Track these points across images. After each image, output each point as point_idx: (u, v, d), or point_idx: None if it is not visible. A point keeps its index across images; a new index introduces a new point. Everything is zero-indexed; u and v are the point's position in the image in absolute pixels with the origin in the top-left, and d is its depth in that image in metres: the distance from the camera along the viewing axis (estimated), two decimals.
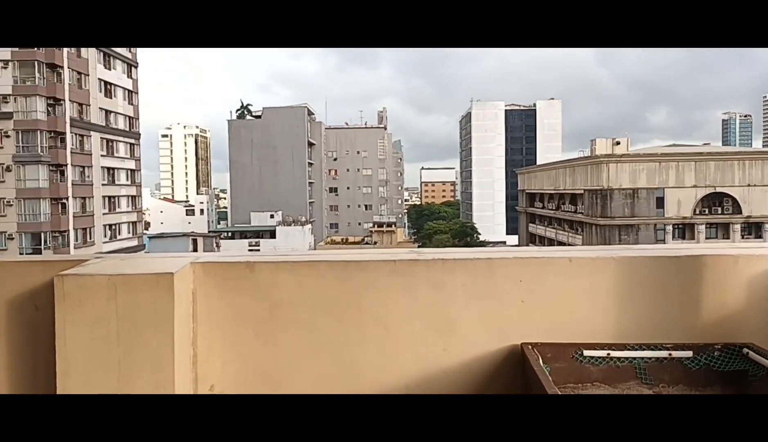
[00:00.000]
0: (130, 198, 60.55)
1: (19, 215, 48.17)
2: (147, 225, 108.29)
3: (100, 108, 55.32)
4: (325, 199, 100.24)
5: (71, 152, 50.58)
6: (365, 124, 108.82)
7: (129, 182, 60.54)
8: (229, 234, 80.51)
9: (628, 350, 2.35)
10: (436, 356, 2.46)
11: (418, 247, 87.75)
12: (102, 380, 2.11)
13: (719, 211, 58.28)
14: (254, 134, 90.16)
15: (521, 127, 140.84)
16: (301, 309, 2.45)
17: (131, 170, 60.88)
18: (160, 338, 2.14)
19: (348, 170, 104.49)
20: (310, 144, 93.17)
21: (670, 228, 58.16)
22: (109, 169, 56.79)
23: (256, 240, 77.12)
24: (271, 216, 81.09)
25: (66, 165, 49.91)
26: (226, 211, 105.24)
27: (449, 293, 2.47)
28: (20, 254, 47.56)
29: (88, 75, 53.12)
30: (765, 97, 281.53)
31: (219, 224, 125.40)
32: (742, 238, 58.11)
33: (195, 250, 61.96)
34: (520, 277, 2.47)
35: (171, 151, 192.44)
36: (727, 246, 2.82)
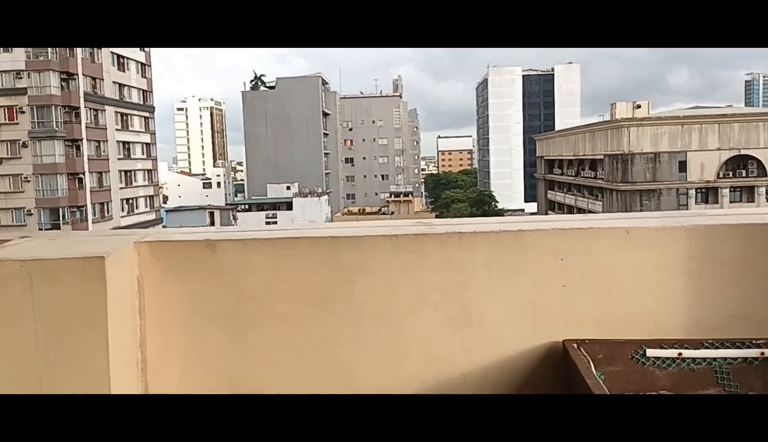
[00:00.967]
0: (146, 172, 60.47)
1: (37, 191, 48.27)
2: (165, 199, 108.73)
3: (113, 82, 54.94)
4: (341, 169, 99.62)
5: (86, 127, 50.43)
6: (380, 93, 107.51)
7: (144, 156, 60.40)
8: (246, 206, 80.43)
9: (706, 348, 1.78)
10: (452, 357, 1.92)
11: (436, 217, 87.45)
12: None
13: (744, 175, 56.94)
14: (268, 105, 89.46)
15: (539, 93, 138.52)
16: (277, 299, 1.92)
17: (146, 144, 60.71)
18: (89, 341, 1.62)
19: (364, 140, 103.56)
20: (325, 114, 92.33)
21: (692, 192, 56.97)
22: (124, 143, 56.66)
23: (273, 212, 76.96)
24: (288, 188, 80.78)
25: (81, 140, 49.80)
26: (243, 184, 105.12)
27: (468, 276, 1.92)
28: (39, 229, 47.79)
29: (100, 49, 52.65)
30: None
31: (236, 196, 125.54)
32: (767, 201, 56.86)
33: (212, 223, 61.94)
34: (560, 254, 1.90)
35: (187, 124, 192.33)
36: None
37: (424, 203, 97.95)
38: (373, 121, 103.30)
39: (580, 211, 67.87)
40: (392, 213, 74.09)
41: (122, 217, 54.79)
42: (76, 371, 1.61)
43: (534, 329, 1.92)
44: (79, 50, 49.36)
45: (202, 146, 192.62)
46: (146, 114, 60.79)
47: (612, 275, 1.91)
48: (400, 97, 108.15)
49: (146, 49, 60.43)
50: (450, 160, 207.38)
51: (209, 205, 71.99)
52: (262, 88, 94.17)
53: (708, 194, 57.41)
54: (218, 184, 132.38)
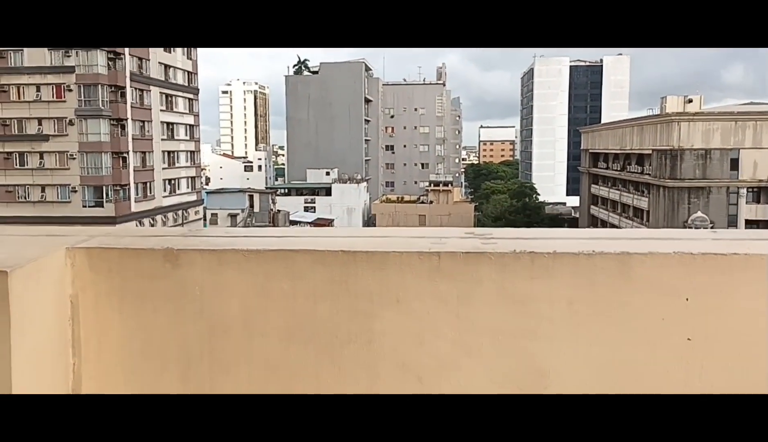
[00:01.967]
0: (188, 153, 60.90)
1: (82, 169, 48.94)
2: (207, 180, 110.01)
3: (159, 62, 55.31)
4: (381, 157, 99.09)
5: (131, 106, 50.90)
6: (424, 80, 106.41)
7: (188, 137, 60.82)
8: (285, 191, 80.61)
9: None
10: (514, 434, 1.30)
11: (476, 207, 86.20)
12: None
13: None
14: (311, 90, 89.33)
15: (586, 84, 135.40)
16: (262, 337, 1.36)
17: (190, 125, 61.10)
18: None
19: (405, 128, 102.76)
20: (367, 101, 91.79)
21: (744, 191, 54.87)
22: (168, 124, 57.09)
23: (312, 197, 76.95)
24: (327, 173, 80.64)
25: (126, 119, 50.29)
26: (284, 168, 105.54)
27: (543, 317, 1.32)
28: (83, 206, 48.57)
29: None
30: None
31: (276, 180, 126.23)
32: None
33: (251, 206, 62.15)
34: (685, 291, 1.28)
35: (231, 107, 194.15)
36: None
37: (463, 193, 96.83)
38: (415, 109, 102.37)
39: (625, 206, 66.17)
40: (431, 202, 73.29)
41: (164, 197, 55.32)
42: None
43: None
44: None
45: (245, 129, 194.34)
46: (190, 96, 61.13)
47: (763, 328, 1.26)
48: (444, 85, 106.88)
49: None
50: (492, 150, 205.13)
51: (249, 188, 72.26)
52: (305, 72, 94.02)
53: (760, 194, 55.23)
54: (259, 167, 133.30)
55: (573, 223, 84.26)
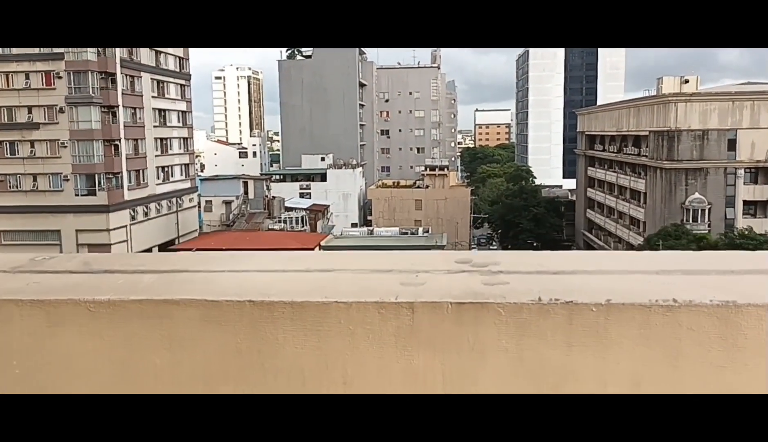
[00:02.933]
0: (181, 140, 60.33)
1: (74, 157, 48.44)
2: (202, 167, 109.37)
3: (149, 48, 54.62)
4: (376, 141, 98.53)
5: (122, 93, 50.29)
6: (418, 64, 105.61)
7: (180, 124, 60.22)
8: (281, 177, 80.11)
9: None
10: None
11: (472, 192, 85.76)
12: None
13: None
14: (304, 75, 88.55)
15: (581, 66, 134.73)
16: None
17: (182, 112, 60.48)
18: None
19: (400, 112, 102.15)
20: (362, 85, 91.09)
21: (741, 172, 54.63)
22: (160, 110, 56.49)
23: (307, 183, 76.51)
24: (322, 159, 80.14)
25: (117, 106, 49.72)
26: (279, 154, 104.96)
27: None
28: (75, 195, 48.10)
29: None
30: None
31: (272, 166, 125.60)
32: None
33: (246, 193, 61.72)
34: None
35: (224, 93, 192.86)
36: None
37: (459, 177, 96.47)
38: (410, 93, 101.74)
39: (621, 188, 65.91)
40: (427, 187, 72.90)
41: (157, 184, 54.86)
42: None
43: None
44: None
45: (239, 116, 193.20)
46: (182, 82, 60.44)
47: None
48: (438, 68, 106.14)
49: None
50: (487, 134, 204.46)
51: (243, 174, 71.74)
52: (298, 57, 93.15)
53: (758, 175, 55.01)
54: (254, 153, 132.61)
55: (570, 206, 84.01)
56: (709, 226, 52.95)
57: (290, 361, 0.92)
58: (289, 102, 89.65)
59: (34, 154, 48.05)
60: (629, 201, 64.01)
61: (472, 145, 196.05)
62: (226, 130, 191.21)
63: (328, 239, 49.19)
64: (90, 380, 0.93)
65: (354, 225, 68.60)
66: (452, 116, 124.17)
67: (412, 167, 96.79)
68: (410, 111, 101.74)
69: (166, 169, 56.76)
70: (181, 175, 59.42)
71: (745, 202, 54.96)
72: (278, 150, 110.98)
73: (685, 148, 55.00)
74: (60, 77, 47.58)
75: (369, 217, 73.35)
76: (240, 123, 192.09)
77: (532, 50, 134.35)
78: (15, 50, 46.78)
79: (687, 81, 61.59)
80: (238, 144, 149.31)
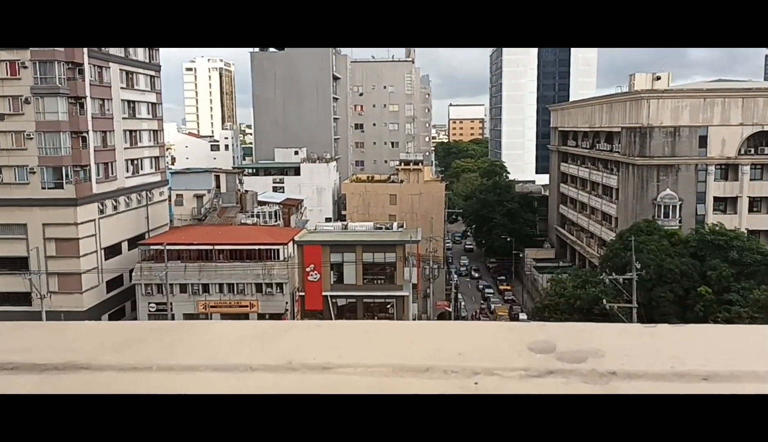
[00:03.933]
0: (151, 132, 59.15)
1: (40, 149, 47.17)
2: (173, 160, 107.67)
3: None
4: (350, 135, 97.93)
5: (90, 84, 49.07)
6: (392, 57, 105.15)
7: (150, 116, 59.02)
8: (253, 171, 79.15)
9: None
10: None
11: (446, 187, 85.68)
12: None
13: (766, 151, 55.21)
14: (277, 67, 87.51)
15: (554, 62, 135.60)
16: None
17: (152, 104, 59.28)
18: None
19: (374, 106, 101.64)
20: (335, 78, 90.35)
21: (712, 168, 55.34)
22: (129, 102, 55.31)
23: (281, 177, 75.70)
24: (296, 153, 79.33)
25: (85, 97, 48.52)
26: (251, 148, 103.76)
27: None
28: (42, 188, 46.84)
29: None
30: None
31: (244, 160, 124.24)
32: None
33: (218, 187, 60.78)
34: None
35: (196, 85, 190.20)
36: None
37: (434, 172, 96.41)
38: (384, 87, 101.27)
39: (594, 184, 66.40)
40: (401, 181, 72.64)
41: (127, 177, 53.73)
42: None
43: None
44: None
45: (211, 108, 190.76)
46: (152, 73, 59.21)
47: None
48: (413, 62, 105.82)
49: None
50: (461, 128, 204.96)
51: (215, 168, 70.67)
52: (271, 49, 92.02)
53: (728, 171, 55.82)
54: (226, 147, 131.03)
55: (543, 201, 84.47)
56: (680, 221, 53.58)
57: None
58: (261, 94, 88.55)
59: None
60: (601, 197, 64.53)
61: (446, 140, 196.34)
62: (198, 123, 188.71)
63: (302, 234, 48.66)
64: None
65: (328, 220, 68.08)
66: (426, 111, 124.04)
67: (386, 162, 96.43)
68: (384, 105, 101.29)
69: (135, 162, 55.63)
70: (152, 168, 58.29)
71: (716, 199, 55.72)
72: (251, 143, 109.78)
73: (656, 145, 55.55)
74: (25, 67, 46.24)
75: (343, 212, 72.88)
76: (212, 115, 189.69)
77: None
78: None
79: (659, 78, 62.23)
80: (210, 137, 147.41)
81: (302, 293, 44.66)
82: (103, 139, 50.97)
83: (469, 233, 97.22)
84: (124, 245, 51.46)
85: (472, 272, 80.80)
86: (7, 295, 45.44)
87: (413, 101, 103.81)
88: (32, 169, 46.92)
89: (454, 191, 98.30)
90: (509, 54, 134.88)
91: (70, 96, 47.30)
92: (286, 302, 44.91)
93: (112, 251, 50.10)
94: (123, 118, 53.71)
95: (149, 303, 45.58)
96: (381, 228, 51.18)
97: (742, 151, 55.24)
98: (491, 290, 71.40)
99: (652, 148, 55.52)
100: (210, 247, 46.06)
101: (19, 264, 45.06)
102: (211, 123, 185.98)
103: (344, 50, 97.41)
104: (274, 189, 72.25)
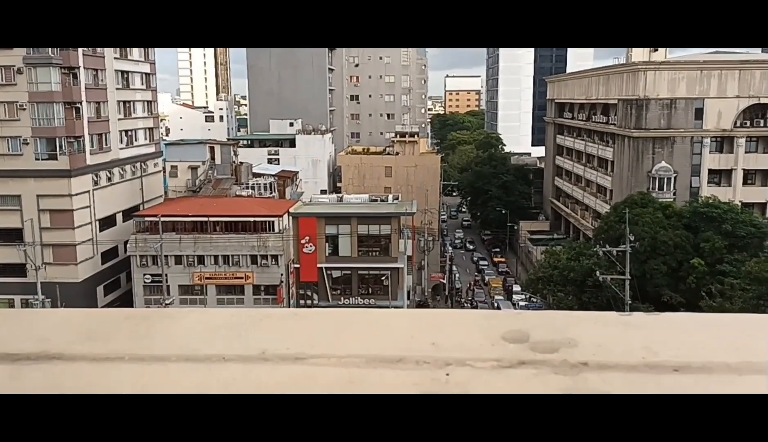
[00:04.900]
0: (145, 103, 58.70)
1: (33, 120, 46.85)
2: (167, 131, 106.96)
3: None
4: (346, 107, 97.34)
5: (83, 54, 48.56)
6: None
7: (144, 86, 58.52)
8: (248, 142, 78.80)
9: None
10: None
11: (442, 159, 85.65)
12: None
13: (762, 124, 55.17)
14: None
15: None
16: None
17: (146, 74, 58.73)
18: None
19: (370, 77, 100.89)
20: (331, 48, 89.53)
21: (708, 141, 55.33)
22: (122, 72, 54.77)
23: (276, 149, 75.42)
24: (291, 124, 78.92)
25: (78, 67, 48.03)
26: (246, 119, 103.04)
27: None
28: (36, 159, 46.61)
29: None
30: None
31: (239, 131, 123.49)
32: None
33: (213, 158, 60.55)
34: None
35: (190, 55, 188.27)
36: None
37: (429, 144, 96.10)
38: (380, 58, 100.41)
39: (590, 156, 66.36)
40: (397, 153, 72.47)
41: (121, 149, 53.45)
42: None
43: None
44: None
45: (206, 78, 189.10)
46: None
47: None
48: None
49: None
50: (458, 100, 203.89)
51: (210, 139, 70.27)
52: None
53: (723, 144, 55.82)
54: (221, 118, 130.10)
55: (539, 174, 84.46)
56: (674, 194, 53.71)
57: None
58: (256, 65, 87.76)
59: None
60: (597, 169, 64.54)
61: (442, 112, 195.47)
62: (192, 94, 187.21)
63: (297, 206, 48.66)
64: None
65: (323, 192, 68.00)
66: (423, 82, 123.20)
67: (382, 134, 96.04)
68: (380, 76, 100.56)
69: (129, 133, 55.29)
70: (146, 139, 57.98)
71: (710, 171, 55.81)
72: (245, 114, 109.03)
73: (653, 117, 55.43)
74: None
75: (338, 184, 72.79)
76: (206, 86, 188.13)
77: None
78: None
79: (656, 49, 61.81)
80: (205, 108, 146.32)
81: (297, 265, 44.79)
82: (97, 110, 50.60)
83: (463, 208, 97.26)
84: (119, 217, 51.40)
85: (467, 245, 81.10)
86: (2, 266, 45.48)
87: (409, 72, 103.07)
88: (25, 140, 46.65)
89: (450, 163, 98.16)
90: None
91: (63, 66, 46.84)
92: (281, 274, 45.08)
93: (107, 222, 50.07)
94: (117, 89, 53.27)
95: (144, 275, 45.71)
96: (376, 200, 51.19)
97: (738, 124, 55.17)
98: (486, 262, 71.75)
99: (648, 120, 55.42)
100: (205, 219, 46.07)
101: (13, 236, 45.02)
102: (206, 94, 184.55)
103: None
104: (269, 161, 72.00)
